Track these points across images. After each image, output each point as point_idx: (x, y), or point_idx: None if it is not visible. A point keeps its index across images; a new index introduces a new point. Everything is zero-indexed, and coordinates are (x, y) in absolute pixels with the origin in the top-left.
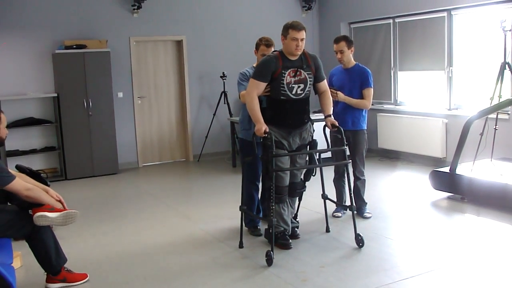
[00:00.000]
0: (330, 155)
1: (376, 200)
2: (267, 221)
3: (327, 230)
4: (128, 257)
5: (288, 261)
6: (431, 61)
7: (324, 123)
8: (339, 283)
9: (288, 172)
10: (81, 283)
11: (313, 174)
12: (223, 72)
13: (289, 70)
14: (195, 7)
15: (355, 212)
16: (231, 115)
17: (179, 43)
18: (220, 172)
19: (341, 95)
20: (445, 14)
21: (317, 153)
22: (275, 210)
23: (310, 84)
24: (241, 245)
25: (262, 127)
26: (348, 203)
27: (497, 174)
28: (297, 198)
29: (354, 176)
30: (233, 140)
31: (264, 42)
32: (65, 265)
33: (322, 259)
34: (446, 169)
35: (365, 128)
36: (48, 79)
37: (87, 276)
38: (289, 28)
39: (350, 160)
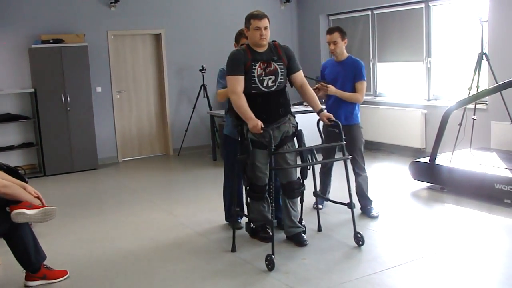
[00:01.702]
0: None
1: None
2: (249, 218)
3: (319, 229)
4: (109, 253)
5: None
6: (410, 53)
7: (309, 117)
8: (321, 275)
9: (266, 171)
10: (61, 280)
11: (308, 168)
12: (202, 66)
13: (259, 63)
14: (173, 0)
15: (354, 209)
16: (210, 108)
17: (157, 37)
18: (201, 165)
19: (332, 89)
20: (423, 5)
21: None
22: (255, 207)
23: (282, 75)
24: (233, 249)
25: (257, 123)
26: (330, 197)
27: (475, 164)
28: (299, 199)
29: (354, 173)
30: (213, 134)
31: (245, 35)
32: (45, 262)
33: (304, 252)
34: (426, 160)
35: (359, 122)
36: (25, 74)
37: (67, 273)
38: (251, 18)
39: (350, 156)
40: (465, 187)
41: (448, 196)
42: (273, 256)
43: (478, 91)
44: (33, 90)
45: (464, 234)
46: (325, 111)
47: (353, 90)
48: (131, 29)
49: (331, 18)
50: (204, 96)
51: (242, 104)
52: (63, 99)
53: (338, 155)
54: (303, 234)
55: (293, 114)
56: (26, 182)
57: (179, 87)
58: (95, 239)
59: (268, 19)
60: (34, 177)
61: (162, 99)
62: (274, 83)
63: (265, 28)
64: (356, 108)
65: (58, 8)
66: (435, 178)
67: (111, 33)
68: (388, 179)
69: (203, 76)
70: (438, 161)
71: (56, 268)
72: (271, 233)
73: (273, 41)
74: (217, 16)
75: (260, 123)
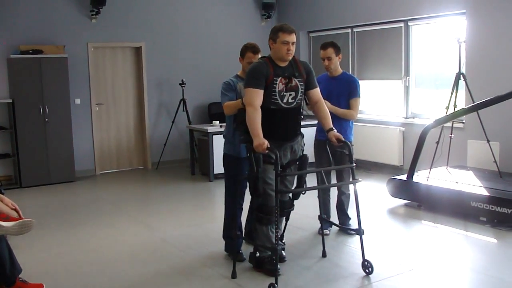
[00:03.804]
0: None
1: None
2: (253, 245)
3: (323, 255)
4: (85, 266)
5: (248, 270)
6: (389, 71)
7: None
8: None
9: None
10: None
11: (303, 192)
12: (182, 80)
13: (280, 78)
14: (154, 14)
15: (352, 233)
16: (190, 122)
17: (138, 50)
18: (179, 180)
19: (328, 105)
20: (402, 24)
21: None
22: (263, 232)
23: (301, 92)
24: (234, 276)
25: (264, 142)
26: (332, 219)
27: (452, 182)
28: (284, 218)
29: (338, 191)
30: (192, 148)
31: (251, 49)
32: (20, 276)
33: (287, 269)
34: (403, 177)
35: (352, 140)
36: (3, 84)
37: (43, 287)
38: (279, 31)
39: (360, 180)
40: (441, 204)
41: (425, 213)
42: (276, 285)
43: (456, 110)
44: (10, 100)
45: (441, 251)
46: (335, 130)
47: (347, 107)
48: (112, 42)
49: (312, 35)
50: (183, 110)
51: (255, 119)
52: (41, 110)
53: (346, 175)
54: (282, 251)
55: (302, 135)
56: (3, 194)
57: (159, 100)
58: (71, 252)
59: (295, 34)
60: (10, 189)
61: (141, 112)
62: (294, 100)
63: (293, 43)
64: (350, 125)
65: (38, 18)
66: (412, 196)
67: (91, 45)
68: (366, 196)
69: (182, 90)
70: (415, 178)
71: (32, 281)
72: (276, 263)
73: None
74: (198, 31)
75: (266, 143)
